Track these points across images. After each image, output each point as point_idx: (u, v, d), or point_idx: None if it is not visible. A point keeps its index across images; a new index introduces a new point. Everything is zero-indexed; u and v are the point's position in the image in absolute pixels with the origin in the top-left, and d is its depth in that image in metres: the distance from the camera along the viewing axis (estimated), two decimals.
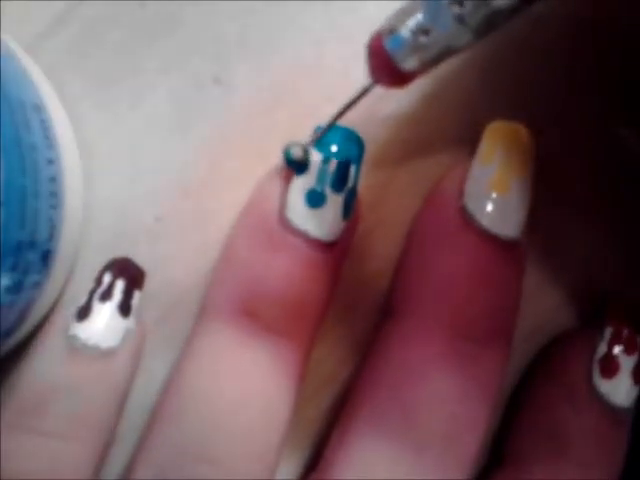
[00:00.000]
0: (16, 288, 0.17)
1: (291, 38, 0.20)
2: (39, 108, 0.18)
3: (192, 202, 0.20)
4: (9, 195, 0.16)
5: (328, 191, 0.17)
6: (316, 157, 0.17)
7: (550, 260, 0.20)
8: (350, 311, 0.20)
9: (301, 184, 0.17)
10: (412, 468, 0.17)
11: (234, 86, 0.20)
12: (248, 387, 0.17)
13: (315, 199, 0.17)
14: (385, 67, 0.16)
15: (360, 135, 0.18)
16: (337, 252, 0.18)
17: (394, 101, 0.20)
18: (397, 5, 0.20)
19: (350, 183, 0.18)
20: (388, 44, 0.15)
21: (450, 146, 0.20)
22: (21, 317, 0.18)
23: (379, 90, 0.20)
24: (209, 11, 0.20)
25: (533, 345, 0.20)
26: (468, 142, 0.18)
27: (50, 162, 0.17)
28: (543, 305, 0.20)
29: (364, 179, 0.20)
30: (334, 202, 0.17)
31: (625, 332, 0.18)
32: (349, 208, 0.18)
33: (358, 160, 0.18)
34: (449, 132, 0.20)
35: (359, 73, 0.20)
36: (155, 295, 0.19)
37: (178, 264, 0.20)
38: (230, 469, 0.17)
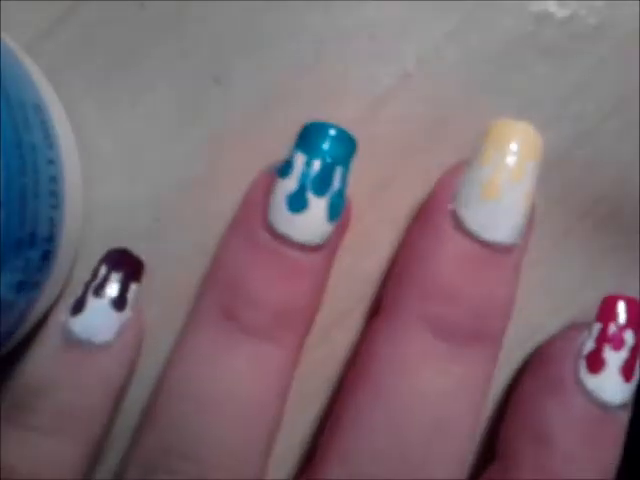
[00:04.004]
0: (16, 288, 0.17)
1: (291, 38, 0.20)
2: (39, 108, 0.18)
3: (192, 202, 0.20)
4: (9, 195, 0.16)
5: (310, 195, 0.17)
6: (299, 159, 0.17)
7: (549, 261, 0.20)
8: (349, 311, 0.20)
9: (283, 188, 0.17)
10: (396, 466, 0.17)
11: (234, 86, 0.20)
12: (226, 389, 0.17)
13: (296, 203, 0.17)
14: None
15: (352, 134, 0.17)
16: (324, 255, 0.18)
17: (394, 101, 0.20)
18: (397, 5, 0.20)
19: (336, 185, 0.17)
20: None
21: (451, 146, 0.20)
22: (21, 317, 0.18)
23: (379, 90, 0.20)
24: (209, 11, 0.20)
25: (530, 347, 0.20)
26: (469, 142, 0.18)
27: (50, 162, 0.17)
28: (541, 307, 0.20)
29: (364, 179, 0.20)
30: (316, 206, 0.17)
31: (613, 328, 0.18)
32: (336, 211, 0.17)
33: (346, 161, 0.17)
34: (450, 132, 0.20)
35: (359, 73, 0.20)
36: (155, 295, 0.19)
37: (178, 264, 0.20)
38: (213, 467, 0.17)
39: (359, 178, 0.20)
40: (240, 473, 0.17)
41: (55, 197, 0.18)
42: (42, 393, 0.17)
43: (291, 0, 0.20)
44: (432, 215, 0.18)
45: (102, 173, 0.20)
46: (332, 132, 0.17)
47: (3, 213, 0.15)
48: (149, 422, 0.18)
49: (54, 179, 0.17)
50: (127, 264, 0.18)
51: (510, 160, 0.17)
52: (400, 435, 0.17)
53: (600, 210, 0.20)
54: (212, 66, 0.20)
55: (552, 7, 0.20)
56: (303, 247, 0.17)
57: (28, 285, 0.17)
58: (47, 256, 0.17)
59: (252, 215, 0.17)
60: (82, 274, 0.19)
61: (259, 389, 0.17)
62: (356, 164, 0.19)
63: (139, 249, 0.19)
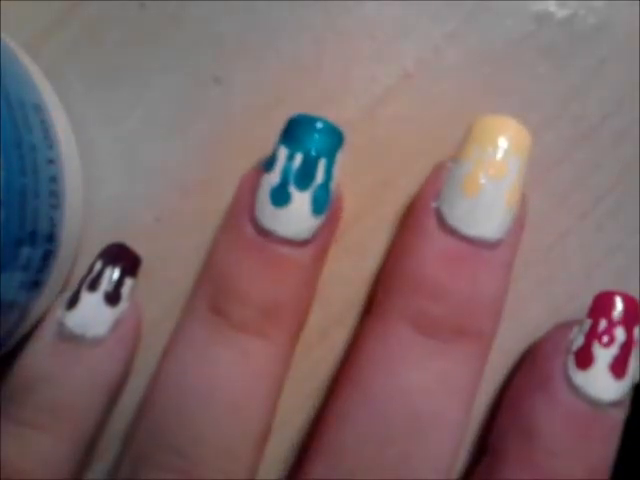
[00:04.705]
0: (16, 287, 0.17)
1: (291, 38, 0.20)
2: (39, 108, 0.18)
3: (192, 202, 0.20)
4: (9, 195, 0.16)
5: (292, 189, 0.17)
6: (282, 152, 0.17)
7: (548, 261, 0.20)
8: (348, 311, 0.20)
9: (267, 182, 0.17)
10: (376, 459, 0.17)
11: (234, 86, 0.20)
12: (213, 384, 0.17)
13: (279, 198, 0.17)
14: None
15: (338, 127, 0.17)
16: (312, 250, 0.17)
17: (394, 101, 0.20)
18: (397, 5, 0.20)
19: (320, 179, 0.17)
20: None
21: (451, 146, 0.20)
22: (21, 317, 0.18)
23: (379, 90, 0.20)
24: (209, 11, 0.20)
25: (529, 347, 0.20)
26: None
27: (50, 162, 0.17)
28: (541, 307, 0.20)
29: (364, 179, 0.20)
30: (300, 200, 0.17)
31: (603, 324, 0.18)
32: (320, 205, 0.17)
33: (331, 154, 0.17)
34: (449, 132, 0.20)
35: (359, 73, 0.20)
36: (155, 295, 0.19)
37: (178, 264, 0.20)
38: (201, 462, 0.17)
39: (359, 178, 0.20)
40: (229, 469, 0.17)
41: (55, 197, 0.18)
42: (35, 387, 0.17)
43: (291, 0, 0.20)
44: (417, 213, 0.18)
45: (102, 173, 0.20)
46: (316, 125, 0.17)
47: (3, 213, 0.15)
48: (141, 416, 0.18)
49: (54, 179, 0.17)
50: (123, 259, 0.18)
51: (491, 155, 0.17)
52: (381, 430, 0.17)
53: (600, 210, 0.20)
54: (212, 66, 0.20)
55: (552, 7, 0.20)
56: (290, 242, 0.17)
57: (28, 284, 0.17)
58: (47, 256, 0.17)
59: (240, 211, 0.17)
60: (83, 274, 0.19)
61: (249, 385, 0.17)
62: (356, 164, 0.19)
63: (139, 249, 0.19)
